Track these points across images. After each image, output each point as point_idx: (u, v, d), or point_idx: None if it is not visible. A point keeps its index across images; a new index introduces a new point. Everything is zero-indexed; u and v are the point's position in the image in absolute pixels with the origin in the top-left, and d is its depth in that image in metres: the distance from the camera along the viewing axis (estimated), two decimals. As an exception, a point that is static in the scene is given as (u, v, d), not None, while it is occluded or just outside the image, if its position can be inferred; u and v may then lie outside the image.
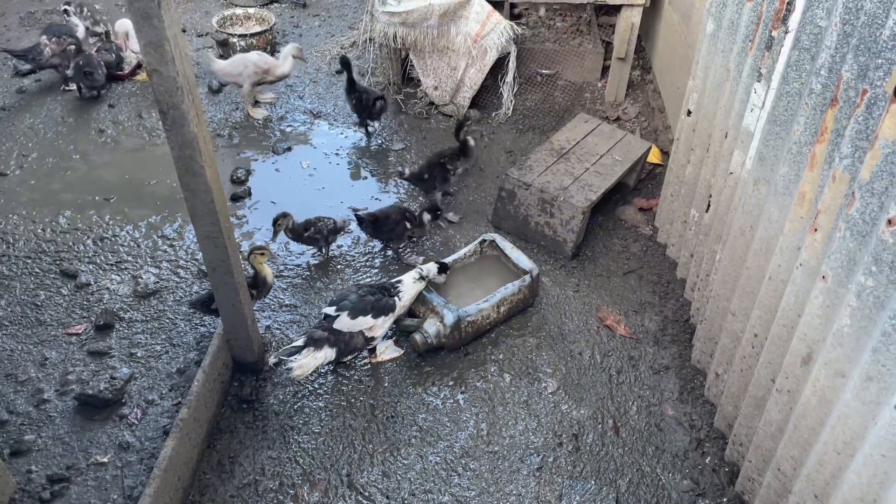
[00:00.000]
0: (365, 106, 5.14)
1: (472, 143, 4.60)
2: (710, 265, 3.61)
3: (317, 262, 4.25)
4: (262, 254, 3.65)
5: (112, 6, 6.93)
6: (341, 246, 4.39)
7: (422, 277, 3.61)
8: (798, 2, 2.64)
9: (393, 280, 3.61)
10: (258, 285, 3.69)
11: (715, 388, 3.44)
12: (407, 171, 4.59)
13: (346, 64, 5.10)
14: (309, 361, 3.21)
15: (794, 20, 2.66)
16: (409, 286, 3.56)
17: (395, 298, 3.47)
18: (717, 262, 3.43)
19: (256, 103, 5.06)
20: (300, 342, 3.25)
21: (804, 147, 2.55)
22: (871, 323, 2.13)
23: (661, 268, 4.28)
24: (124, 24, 5.83)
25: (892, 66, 2.00)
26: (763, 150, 2.86)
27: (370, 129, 5.31)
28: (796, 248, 2.60)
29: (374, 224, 4.14)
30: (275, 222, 4.06)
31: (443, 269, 3.72)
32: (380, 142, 5.32)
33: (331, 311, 3.35)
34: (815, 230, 2.40)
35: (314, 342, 3.25)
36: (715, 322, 3.44)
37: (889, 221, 1.97)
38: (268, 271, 3.72)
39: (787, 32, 2.72)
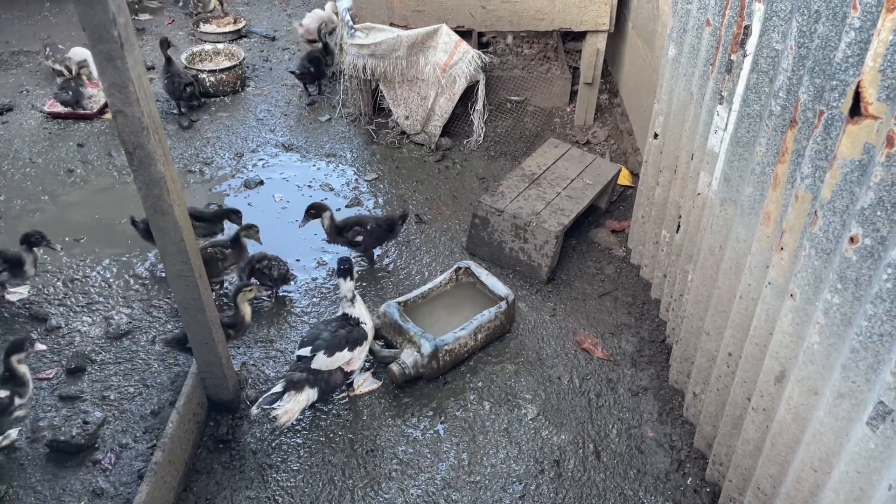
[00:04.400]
0: (176, 88, 5.71)
1: (332, 45, 5.72)
2: (682, 285, 3.64)
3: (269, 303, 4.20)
4: (250, 290, 3.66)
5: (79, 45, 6.90)
6: (315, 278, 4.37)
7: (353, 296, 3.45)
8: (755, 26, 2.70)
9: (342, 313, 3.46)
10: (236, 324, 3.66)
11: (693, 408, 3.45)
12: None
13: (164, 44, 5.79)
14: (293, 406, 3.17)
15: (752, 44, 2.72)
16: (362, 309, 3.48)
17: (363, 326, 3.43)
18: (689, 283, 3.46)
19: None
20: (279, 388, 3.20)
21: (767, 167, 2.60)
22: (839, 340, 2.15)
23: (636, 289, 4.30)
24: (80, 53, 5.78)
25: (846, 87, 2.04)
26: (728, 171, 2.91)
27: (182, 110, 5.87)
28: (765, 267, 2.64)
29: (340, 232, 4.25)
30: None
31: (342, 273, 3.37)
32: (352, 172, 5.32)
33: (305, 352, 3.30)
34: (782, 249, 2.44)
35: (294, 385, 3.20)
36: (690, 342, 3.46)
37: (851, 239, 2.00)
38: (247, 311, 3.69)
39: (745, 56, 2.78)
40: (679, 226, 3.65)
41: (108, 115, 5.85)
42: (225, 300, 4.22)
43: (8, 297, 4.10)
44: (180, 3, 7.75)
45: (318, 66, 6.06)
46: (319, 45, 6.20)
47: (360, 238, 4.25)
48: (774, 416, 2.56)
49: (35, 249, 4.02)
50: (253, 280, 4.09)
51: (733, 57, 2.89)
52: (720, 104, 3.04)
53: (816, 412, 2.26)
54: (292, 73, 6.18)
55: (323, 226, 4.26)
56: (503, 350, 3.90)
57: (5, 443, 3.29)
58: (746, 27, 2.77)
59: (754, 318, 2.69)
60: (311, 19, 6.55)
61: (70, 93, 5.69)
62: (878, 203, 1.90)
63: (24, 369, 3.29)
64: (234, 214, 4.38)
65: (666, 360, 3.82)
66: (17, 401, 3.23)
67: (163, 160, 2.72)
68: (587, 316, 4.13)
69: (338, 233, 4.26)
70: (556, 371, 3.80)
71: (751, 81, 2.68)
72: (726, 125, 2.99)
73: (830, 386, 2.16)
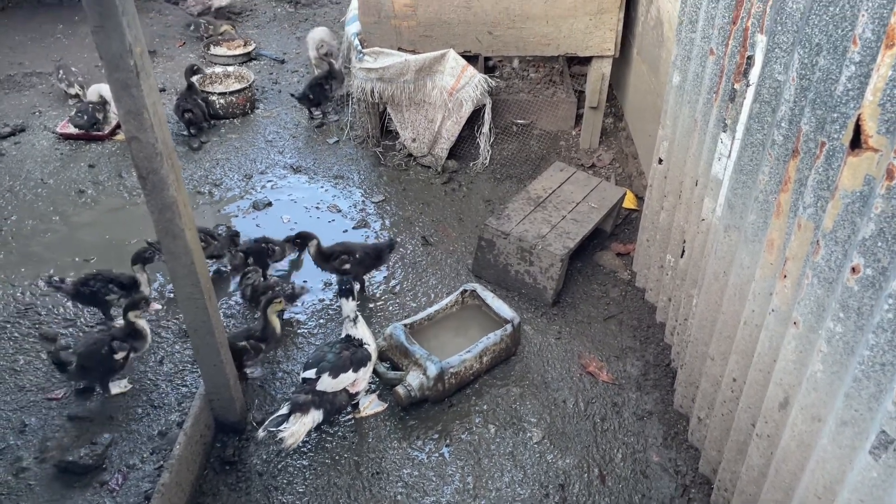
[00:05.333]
0: (177, 112, 5.89)
1: (336, 66, 6.08)
2: (687, 309, 3.66)
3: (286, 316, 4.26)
4: (279, 303, 3.77)
5: (92, 67, 7.01)
6: (322, 300, 4.40)
7: (356, 316, 3.47)
8: (757, 56, 2.75)
9: (345, 334, 3.48)
10: (267, 337, 3.76)
11: (698, 433, 3.46)
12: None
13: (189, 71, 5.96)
14: (299, 428, 3.19)
15: (755, 74, 2.76)
16: (364, 329, 3.49)
17: (366, 347, 3.46)
18: (693, 307, 3.48)
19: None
20: (285, 410, 3.23)
21: (770, 196, 2.63)
22: (842, 368, 2.17)
23: (641, 312, 4.32)
24: (98, 90, 5.87)
25: (847, 119, 2.08)
26: (732, 199, 2.94)
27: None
28: (768, 294, 2.66)
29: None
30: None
31: (343, 293, 3.40)
32: (360, 194, 5.37)
33: (310, 374, 3.33)
34: (785, 277, 2.47)
35: (300, 407, 3.22)
36: (695, 366, 3.48)
37: (853, 269, 2.03)
38: (277, 323, 3.78)
39: (748, 85, 2.82)
40: (684, 250, 3.68)
41: (120, 137, 5.92)
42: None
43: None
44: (191, 27, 7.86)
45: (318, 93, 6.14)
46: (333, 65, 6.28)
47: (347, 266, 4.26)
48: (779, 443, 2.57)
49: (147, 268, 4.10)
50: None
51: (736, 86, 2.94)
52: (724, 132, 3.08)
53: (820, 440, 2.28)
54: (291, 95, 6.29)
55: (310, 254, 4.29)
56: (508, 373, 3.92)
57: (124, 390, 3.75)
58: (749, 57, 2.82)
59: (758, 345, 2.71)
60: (310, 45, 6.64)
61: (85, 117, 5.78)
62: (878, 234, 1.92)
63: (142, 324, 3.73)
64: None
65: (671, 385, 3.83)
66: (133, 354, 3.72)
67: (175, 185, 2.77)
68: (592, 339, 4.15)
69: (325, 261, 4.28)
70: (562, 394, 3.81)
71: (754, 111, 2.73)
72: (730, 153, 3.03)
73: (834, 414, 2.18)
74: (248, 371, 3.85)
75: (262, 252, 4.44)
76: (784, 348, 2.47)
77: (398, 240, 4.81)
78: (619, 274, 4.62)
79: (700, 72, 3.41)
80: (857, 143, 1.99)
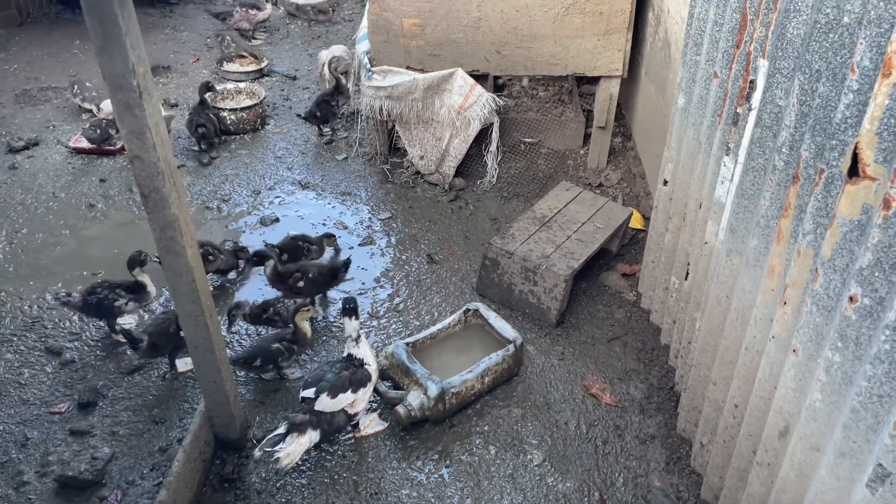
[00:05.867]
0: (190, 127, 5.95)
1: (343, 82, 6.09)
2: (691, 333, 3.63)
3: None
4: (307, 310, 3.88)
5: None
6: (325, 317, 4.41)
7: (358, 336, 3.45)
8: (759, 81, 2.74)
9: (347, 353, 3.46)
10: (298, 340, 3.88)
11: (700, 459, 3.42)
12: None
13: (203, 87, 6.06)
14: (295, 448, 3.18)
15: (757, 98, 2.75)
16: (366, 349, 3.48)
17: (367, 367, 3.45)
18: (696, 331, 3.45)
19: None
20: (282, 429, 3.22)
21: (771, 221, 2.61)
22: (840, 398, 2.14)
23: (646, 334, 4.29)
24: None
25: (845, 147, 2.07)
26: (734, 223, 2.92)
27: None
28: (769, 320, 2.64)
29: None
30: (229, 312, 4.06)
31: (346, 312, 3.39)
32: (367, 211, 5.39)
33: (309, 393, 3.32)
34: (785, 303, 2.44)
35: (297, 427, 3.22)
36: (697, 391, 3.44)
37: (851, 298, 2.00)
38: (307, 328, 3.90)
39: (750, 110, 2.81)
40: (688, 273, 3.66)
41: (131, 151, 5.98)
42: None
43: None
44: (218, 38, 7.93)
45: (325, 110, 6.19)
46: (339, 81, 6.33)
47: (301, 284, 4.25)
48: (778, 472, 2.53)
49: (146, 269, 4.16)
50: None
51: (739, 110, 2.93)
52: (727, 155, 3.07)
53: (819, 470, 2.24)
54: (298, 115, 6.35)
55: (265, 273, 4.26)
56: (510, 393, 3.90)
57: (189, 368, 3.94)
58: (752, 82, 2.81)
59: (759, 371, 2.68)
60: (323, 55, 6.75)
61: (98, 131, 5.84)
62: (876, 264, 1.90)
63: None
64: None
65: (674, 408, 3.79)
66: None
67: (177, 203, 2.79)
68: (596, 360, 4.12)
69: (280, 281, 4.25)
70: (564, 416, 3.78)
71: (755, 135, 2.71)
72: (732, 176, 3.01)
73: (832, 444, 2.15)
74: (287, 373, 3.96)
75: (298, 249, 4.55)
76: (784, 376, 2.44)
77: (406, 257, 4.81)
78: (624, 295, 4.59)
79: (704, 94, 3.40)
80: (854, 171, 1.98)
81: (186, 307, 3.06)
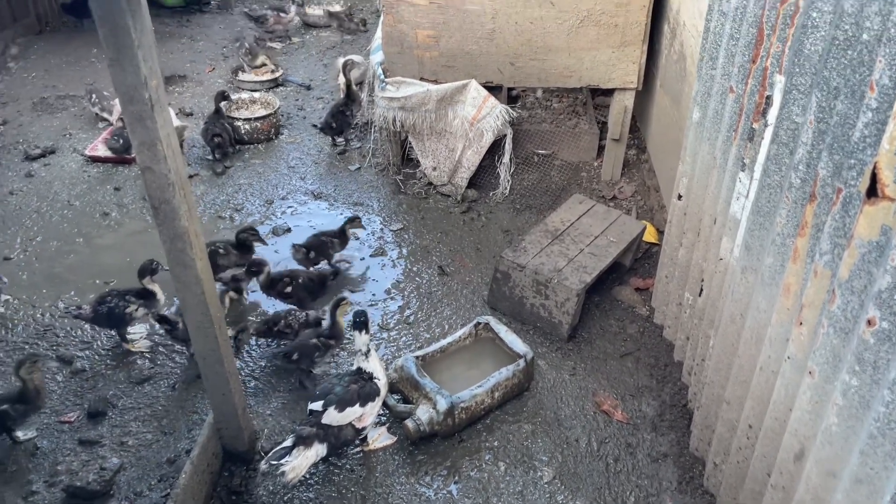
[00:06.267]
0: (206, 136, 5.97)
1: (354, 90, 6.14)
2: (704, 350, 3.58)
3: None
4: (347, 304, 3.94)
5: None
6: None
7: (368, 350, 3.43)
8: (776, 97, 2.70)
9: (357, 367, 3.44)
10: (336, 335, 3.96)
11: (714, 479, 3.36)
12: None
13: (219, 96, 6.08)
14: (301, 462, 3.16)
15: (773, 114, 2.71)
16: (376, 363, 3.45)
17: (376, 381, 3.42)
18: (710, 348, 3.40)
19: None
20: (289, 442, 3.20)
21: (787, 239, 2.57)
22: (858, 423, 2.09)
23: (659, 350, 4.24)
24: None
25: (864, 166, 2.03)
26: (749, 240, 2.88)
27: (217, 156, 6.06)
28: (785, 340, 2.59)
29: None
30: (234, 337, 4.09)
31: (357, 325, 3.38)
32: (379, 222, 5.38)
33: (317, 406, 3.30)
34: (801, 324, 2.40)
35: (303, 440, 3.20)
36: (711, 409, 3.39)
37: (869, 322, 1.96)
38: (344, 323, 3.98)
39: (766, 126, 2.77)
40: (702, 289, 3.61)
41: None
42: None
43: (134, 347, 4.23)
44: (237, 43, 7.98)
45: (340, 121, 6.18)
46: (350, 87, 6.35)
47: (289, 290, 4.29)
48: (794, 496, 2.48)
49: (156, 279, 4.19)
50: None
51: (755, 125, 2.89)
52: (742, 171, 3.03)
53: (835, 495, 2.19)
54: (314, 125, 6.37)
55: (258, 280, 4.32)
56: (521, 409, 3.86)
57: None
58: (768, 97, 2.77)
59: (774, 392, 2.63)
60: (339, 62, 6.80)
61: (121, 141, 5.86)
62: (895, 287, 1.86)
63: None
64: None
65: (687, 426, 3.74)
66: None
67: (187, 215, 2.79)
68: (608, 376, 4.07)
69: (271, 287, 4.32)
70: (574, 433, 3.74)
71: (771, 152, 2.67)
72: (748, 193, 2.97)
73: (849, 470, 2.10)
74: (317, 371, 4.02)
75: (323, 245, 4.69)
76: (800, 398, 2.39)
77: (417, 268, 4.79)
78: (637, 309, 4.54)
79: (720, 109, 3.36)
80: (873, 191, 1.93)
81: (196, 318, 3.05)
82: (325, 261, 4.77)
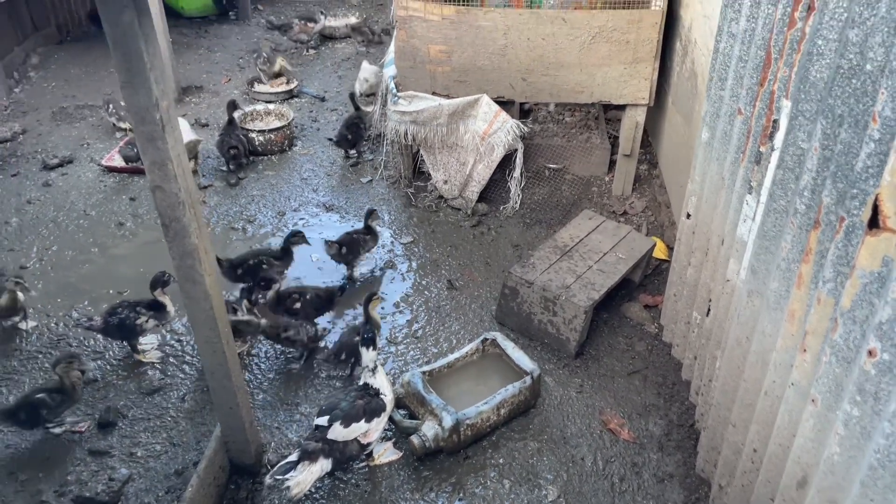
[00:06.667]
0: (223, 147, 6.04)
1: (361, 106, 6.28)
2: (711, 370, 3.57)
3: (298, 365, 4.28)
4: (378, 298, 4.14)
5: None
6: (346, 342, 4.42)
7: (375, 367, 3.46)
8: (782, 121, 2.70)
9: (363, 382, 3.46)
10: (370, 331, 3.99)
11: (719, 501, 3.34)
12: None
13: (230, 106, 6.18)
14: (306, 477, 3.18)
15: (779, 138, 2.71)
16: (382, 379, 3.47)
17: (382, 397, 3.44)
18: (717, 370, 3.39)
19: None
20: (294, 457, 3.23)
21: (792, 264, 2.56)
22: (859, 453, 2.08)
23: (667, 368, 4.23)
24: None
25: (866, 196, 2.02)
26: (755, 263, 2.87)
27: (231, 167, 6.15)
28: (789, 366, 2.58)
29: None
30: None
31: (364, 342, 3.42)
32: (389, 234, 5.41)
33: (322, 421, 3.33)
34: (805, 351, 2.39)
35: (308, 455, 3.22)
36: (717, 431, 3.38)
37: (870, 352, 1.95)
38: (378, 316, 4.17)
39: (773, 150, 2.77)
40: (709, 309, 3.60)
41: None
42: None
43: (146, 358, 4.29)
44: (254, 54, 8.08)
45: (355, 133, 6.27)
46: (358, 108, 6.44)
47: (297, 306, 4.30)
48: (796, 523, 2.47)
49: (167, 290, 4.24)
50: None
51: (762, 148, 2.89)
52: (749, 193, 3.03)
53: (836, 526, 2.18)
54: (329, 139, 6.44)
55: (266, 296, 4.29)
56: (527, 426, 3.87)
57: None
58: (775, 121, 2.77)
59: (778, 417, 2.62)
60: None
61: (135, 150, 5.95)
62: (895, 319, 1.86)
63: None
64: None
65: (694, 447, 3.72)
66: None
67: (196, 233, 2.83)
68: (615, 394, 4.07)
69: (278, 303, 4.31)
70: (580, 451, 3.74)
71: (777, 177, 2.67)
72: (755, 215, 2.97)
73: (850, 501, 2.09)
74: (357, 372, 4.06)
75: (355, 241, 4.85)
76: (802, 425, 2.38)
77: (426, 282, 4.81)
78: (645, 327, 4.53)
79: (728, 130, 3.36)
80: (875, 222, 1.93)
81: (204, 334, 3.09)
82: (355, 258, 4.91)
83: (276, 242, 5.32)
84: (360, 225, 5.07)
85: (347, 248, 4.82)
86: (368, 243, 4.93)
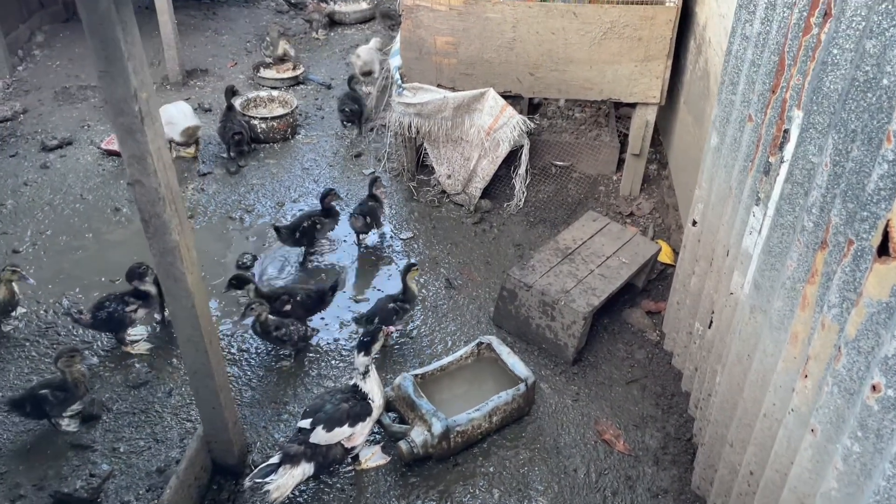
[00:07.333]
0: (226, 135, 5.89)
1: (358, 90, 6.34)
2: (712, 384, 3.45)
3: (289, 362, 4.18)
4: (416, 270, 4.23)
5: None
6: (338, 339, 4.33)
7: (366, 371, 3.35)
8: (793, 132, 2.56)
9: (353, 383, 3.37)
10: (408, 300, 4.21)
11: (713, 521, 3.24)
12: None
13: (229, 92, 6.03)
14: (286, 481, 3.10)
15: (789, 150, 2.58)
16: (373, 384, 3.36)
17: (370, 402, 3.34)
18: (717, 385, 3.27)
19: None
20: (275, 459, 3.14)
21: (797, 284, 2.44)
22: (858, 491, 1.97)
23: (666, 378, 4.11)
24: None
25: (877, 220, 1.89)
26: (759, 279, 2.75)
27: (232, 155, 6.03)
28: (790, 390, 2.46)
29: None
30: (247, 307, 3.97)
31: (360, 346, 3.33)
32: (388, 230, 5.30)
33: (305, 424, 3.24)
34: (806, 377, 2.27)
35: (290, 459, 3.13)
36: (714, 448, 3.26)
37: (874, 387, 1.83)
38: (415, 286, 4.23)
39: (782, 161, 2.63)
40: (711, 321, 3.48)
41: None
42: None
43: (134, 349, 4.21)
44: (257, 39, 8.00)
45: (361, 105, 6.32)
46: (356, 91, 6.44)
47: (288, 308, 4.17)
48: (790, 556, 2.36)
49: (146, 279, 4.16)
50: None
51: (772, 159, 2.75)
52: (756, 205, 2.89)
53: (832, 564, 2.07)
54: (341, 111, 6.37)
55: (249, 296, 4.10)
56: (519, 434, 3.76)
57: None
58: (786, 131, 2.63)
59: (776, 443, 2.50)
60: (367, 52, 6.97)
61: None
62: (903, 355, 1.73)
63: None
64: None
65: (690, 462, 3.61)
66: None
67: (178, 229, 2.73)
68: (612, 404, 3.95)
69: (268, 302, 4.12)
70: (573, 462, 3.63)
71: (785, 191, 2.54)
72: (761, 229, 2.83)
73: (847, 541, 1.97)
74: (395, 329, 4.24)
75: (373, 210, 5.00)
76: (801, 454, 2.27)
77: (424, 280, 4.70)
78: (647, 334, 4.41)
79: (738, 137, 3.22)
80: (885, 249, 1.80)
81: (186, 332, 3.00)
82: (376, 225, 5.06)
83: (273, 234, 5.22)
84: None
85: (371, 217, 4.96)
86: (382, 209, 5.11)
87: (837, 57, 2.18)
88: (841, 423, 2.06)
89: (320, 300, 4.30)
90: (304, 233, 4.85)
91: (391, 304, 4.18)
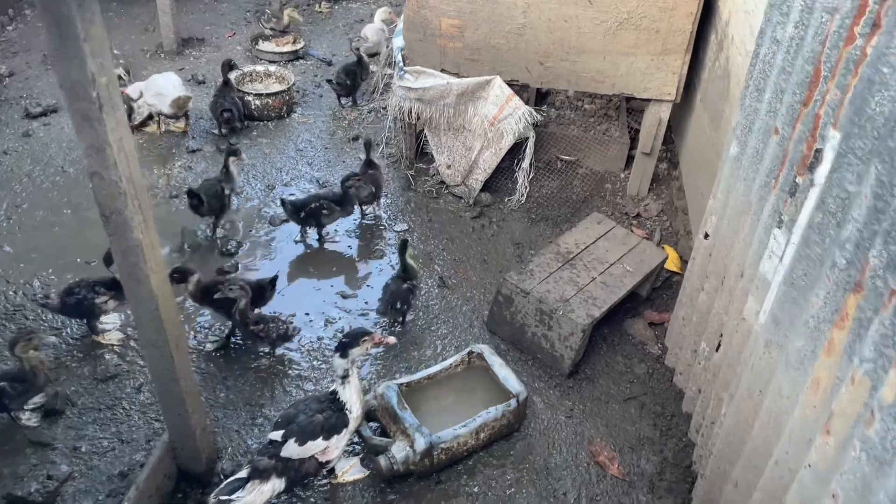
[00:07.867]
0: (215, 111, 5.67)
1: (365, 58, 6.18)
2: (716, 412, 3.22)
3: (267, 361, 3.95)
4: (412, 248, 4.31)
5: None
6: (321, 338, 4.09)
7: (345, 375, 3.11)
8: (827, 154, 2.29)
9: (332, 389, 3.14)
10: (411, 277, 4.09)
11: (709, 561, 3.02)
12: None
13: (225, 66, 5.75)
14: (255, 498, 2.88)
15: (821, 174, 2.31)
16: (352, 392, 3.12)
17: (347, 413, 3.11)
18: (722, 416, 3.04)
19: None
20: (244, 474, 2.92)
21: (822, 325, 2.19)
22: (884, 577, 1.73)
23: (666, 397, 3.88)
24: (139, 87, 5.68)
25: (928, 272, 1.64)
26: (777, 312, 2.50)
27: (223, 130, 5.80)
28: (808, 441, 2.22)
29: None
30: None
31: (338, 347, 3.10)
32: (383, 220, 5.04)
33: (276, 436, 3.01)
34: (828, 433, 2.03)
35: (259, 474, 2.91)
36: (715, 483, 3.03)
37: (913, 466, 1.59)
38: (415, 265, 4.13)
39: (812, 185, 2.37)
40: (720, 344, 3.23)
41: (151, 128, 5.74)
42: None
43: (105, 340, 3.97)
44: (257, 13, 7.67)
45: (354, 79, 6.17)
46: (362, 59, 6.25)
47: (221, 297, 3.85)
48: None
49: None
50: None
51: (799, 180, 2.49)
52: (778, 228, 2.63)
53: None
54: (328, 81, 6.27)
55: (189, 290, 3.87)
56: (508, 451, 3.54)
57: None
58: (818, 151, 2.36)
59: (788, 496, 2.27)
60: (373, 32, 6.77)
61: (127, 104, 5.57)
62: (953, 437, 1.49)
63: None
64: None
65: (688, 492, 3.39)
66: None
67: (141, 227, 2.48)
68: (607, 422, 3.73)
69: (205, 294, 3.88)
70: (563, 485, 3.41)
71: (815, 219, 2.28)
72: (783, 256, 2.58)
73: None
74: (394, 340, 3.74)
75: (375, 177, 4.89)
76: (816, 518, 2.04)
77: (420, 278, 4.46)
78: (648, 347, 4.17)
79: (761, 149, 2.95)
80: (938, 310, 1.55)
81: (149, 336, 2.76)
82: (377, 191, 4.93)
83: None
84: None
85: (375, 186, 4.85)
86: (380, 175, 4.99)
87: (888, 76, 1.91)
88: (867, 494, 1.82)
89: (259, 294, 3.99)
90: (310, 214, 4.66)
91: (405, 285, 4.06)
